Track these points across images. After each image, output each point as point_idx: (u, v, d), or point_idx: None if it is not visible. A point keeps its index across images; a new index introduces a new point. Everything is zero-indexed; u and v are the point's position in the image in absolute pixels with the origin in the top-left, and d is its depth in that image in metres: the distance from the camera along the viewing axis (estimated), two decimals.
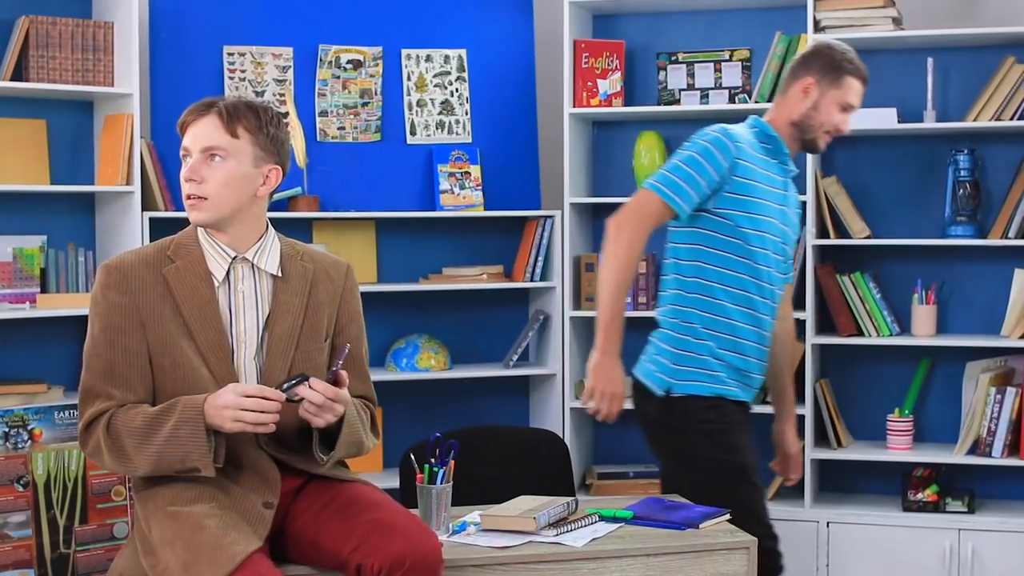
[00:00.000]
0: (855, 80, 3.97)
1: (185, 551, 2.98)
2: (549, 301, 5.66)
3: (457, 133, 5.69)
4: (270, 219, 3.33)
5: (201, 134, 3.18)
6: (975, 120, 5.18)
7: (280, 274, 3.26)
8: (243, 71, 5.46)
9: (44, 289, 5.10)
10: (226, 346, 3.19)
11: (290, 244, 3.36)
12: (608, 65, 5.57)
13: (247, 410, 3.02)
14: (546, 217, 5.60)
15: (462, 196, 5.60)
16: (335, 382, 3.13)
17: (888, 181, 5.49)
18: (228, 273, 3.23)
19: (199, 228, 3.27)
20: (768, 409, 5.37)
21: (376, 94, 5.61)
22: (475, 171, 5.64)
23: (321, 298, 3.30)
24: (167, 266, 3.22)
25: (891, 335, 5.31)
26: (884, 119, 5.25)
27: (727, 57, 5.53)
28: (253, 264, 3.24)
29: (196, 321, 3.18)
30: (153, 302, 3.18)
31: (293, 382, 3.09)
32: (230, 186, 3.18)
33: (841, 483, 5.53)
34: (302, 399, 3.09)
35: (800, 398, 5.32)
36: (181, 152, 3.23)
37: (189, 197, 3.20)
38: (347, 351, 3.16)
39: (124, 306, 3.18)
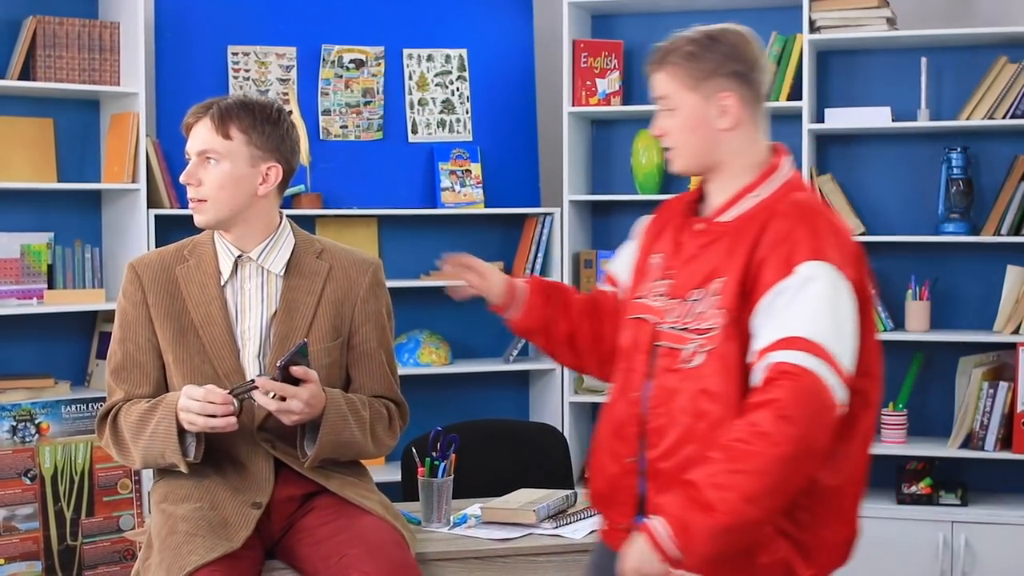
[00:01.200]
0: None
1: (157, 552, 3.00)
2: None
3: (458, 132, 5.68)
4: None
5: (197, 137, 3.19)
6: (968, 119, 5.17)
7: (283, 273, 3.24)
8: (247, 70, 5.46)
9: (51, 285, 5.10)
10: (230, 343, 3.17)
11: (309, 241, 3.32)
12: (607, 65, 5.56)
13: (197, 413, 3.01)
14: (546, 214, 5.59)
15: (463, 194, 5.60)
16: (288, 379, 3.06)
17: (882, 179, 5.48)
18: (236, 271, 3.22)
19: None
20: None
21: (378, 93, 5.60)
22: (476, 169, 5.63)
23: (334, 296, 3.26)
24: (181, 264, 3.22)
25: (885, 330, 5.30)
26: (878, 118, 5.25)
27: None
28: (260, 265, 3.23)
29: (202, 318, 3.18)
30: (163, 300, 3.19)
31: (244, 386, 3.06)
32: (226, 187, 3.16)
33: None
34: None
35: None
36: (185, 155, 3.23)
37: (191, 200, 3.20)
38: (302, 345, 3.06)
39: (137, 303, 3.21)
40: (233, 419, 3.01)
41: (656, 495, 2.82)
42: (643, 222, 3.14)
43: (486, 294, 3.13)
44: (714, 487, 2.61)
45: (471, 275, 3.12)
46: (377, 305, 3.32)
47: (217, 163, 3.15)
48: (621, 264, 3.15)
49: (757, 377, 2.71)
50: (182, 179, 3.18)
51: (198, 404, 3.00)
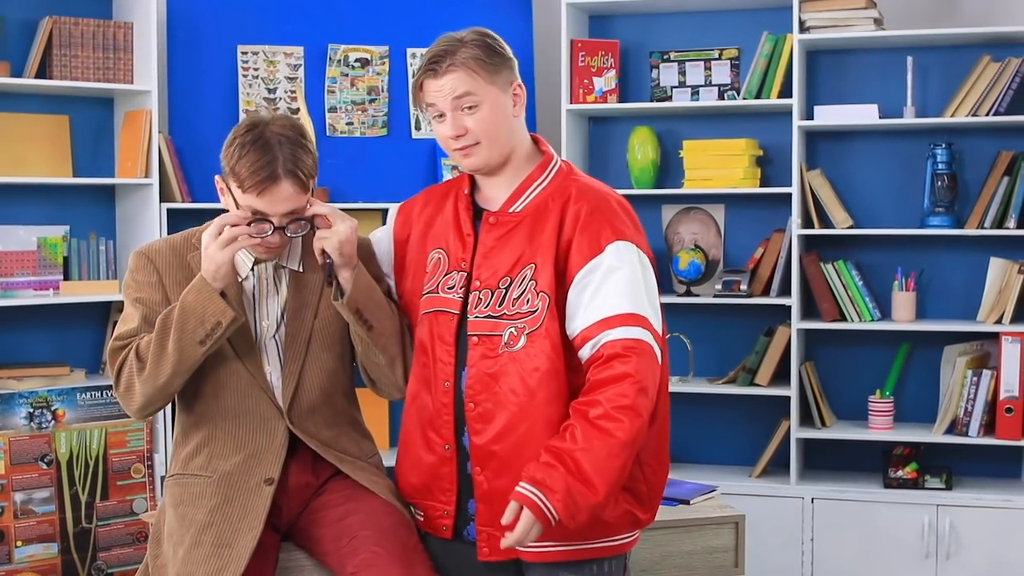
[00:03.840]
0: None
1: (183, 562, 2.97)
2: None
3: None
4: None
5: (282, 200, 3.02)
6: (952, 116, 5.16)
7: (302, 270, 3.21)
8: (256, 69, 5.44)
9: (67, 276, 5.10)
10: (247, 324, 3.14)
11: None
12: (603, 64, 5.55)
13: (233, 224, 2.98)
14: None
15: None
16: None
17: (870, 174, 5.47)
18: (252, 268, 3.19)
19: None
20: (754, 391, 5.37)
21: (383, 91, 5.59)
22: None
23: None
24: (193, 252, 3.18)
25: (872, 320, 5.29)
26: (866, 115, 5.24)
27: (716, 56, 5.51)
28: (276, 263, 3.20)
29: None
30: (178, 283, 3.13)
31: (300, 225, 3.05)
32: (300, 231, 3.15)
33: (825, 461, 5.52)
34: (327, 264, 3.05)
35: (786, 380, 5.32)
36: (252, 213, 3.03)
37: (269, 250, 3.11)
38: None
39: (153, 284, 3.13)
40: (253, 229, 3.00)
41: (493, 478, 2.91)
42: (393, 221, 3.21)
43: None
44: (594, 465, 2.71)
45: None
46: (376, 272, 3.30)
47: (301, 218, 3.10)
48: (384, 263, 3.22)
49: (587, 353, 2.84)
50: (271, 244, 3.06)
51: (235, 215, 2.98)
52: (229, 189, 3.07)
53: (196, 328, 3.00)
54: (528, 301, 2.89)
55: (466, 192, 3.08)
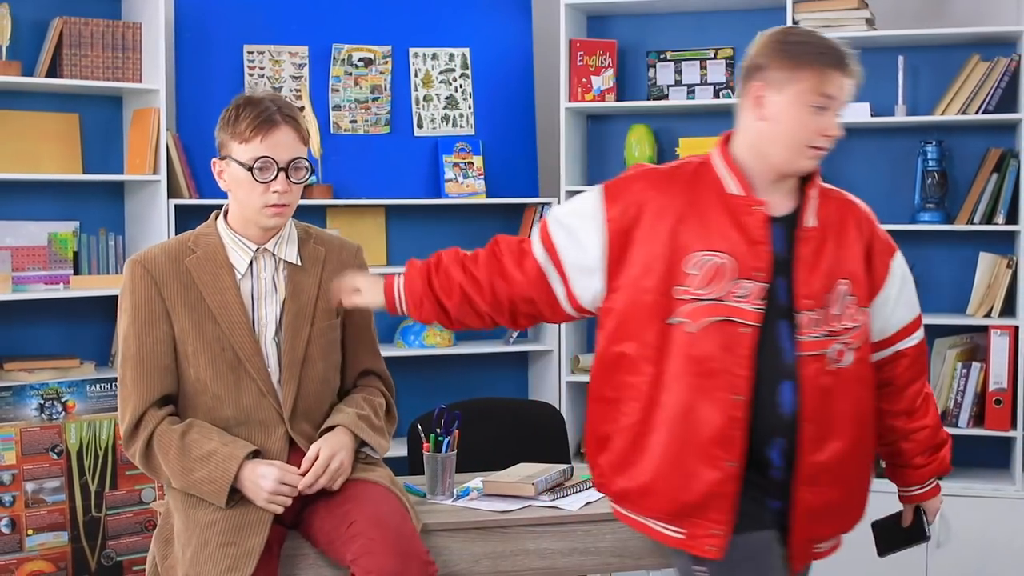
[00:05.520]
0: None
1: (190, 563, 2.96)
2: None
3: (461, 126, 5.66)
4: None
5: (284, 144, 3.11)
6: (943, 114, 5.16)
7: (299, 262, 3.21)
8: (262, 68, 5.44)
9: (77, 271, 5.09)
10: (249, 329, 3.13)
11: (304, 228, 3.30)
12: (601, 63, 5.54)
13: (280, 495, 3.04)
14: (544, 204, 5.58)
15: (465, 184, 5.58)
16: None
17: (862, 171, 5.47)
18: (251, 264, 3.18)
19: (219, 220, 3.22)
20: None
21: (386, 90, 5.58)
22: (478, 161, 5.62)
23: (331, 278, 3.23)
24: (189, 256, 3.17)
25: None
26: (858, 113, 5.23)
27: (712, 55, 5.51)
28: (274, 254, 3.20)
29: (218, 306, 3.12)
30: (177, 291, 3.13)
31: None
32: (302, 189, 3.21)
33: None
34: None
35: None
36: (258, 163, 3.09)
37: (274, 206, 3.13)
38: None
39: (150, 299, 3.12)
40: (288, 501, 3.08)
41: (821, 493, 2.93)
42: (601, 207, 2.91)
43: (371, 306, 3.20)
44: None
45: (352, 297, 3.18)
46: None
47: (303, 167, 3.19)
48: (594, 247, 2.92)
49: (904, 344, 3.08)
50: (279, 189, 3.12)
51: (287, 488, 3.06)
52: (231, 155, 3.12)
53: (198, 492, 3.09)
54: (850, 317, 2.89)
55: (734, 192, 2.92)
